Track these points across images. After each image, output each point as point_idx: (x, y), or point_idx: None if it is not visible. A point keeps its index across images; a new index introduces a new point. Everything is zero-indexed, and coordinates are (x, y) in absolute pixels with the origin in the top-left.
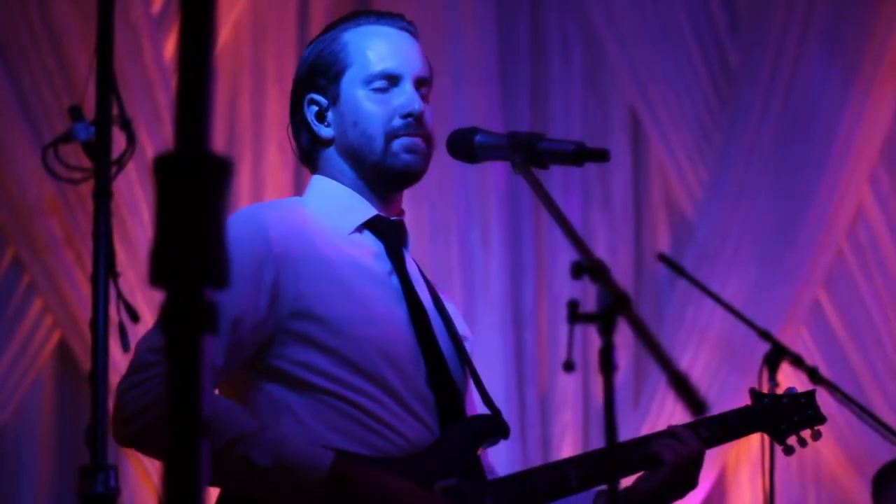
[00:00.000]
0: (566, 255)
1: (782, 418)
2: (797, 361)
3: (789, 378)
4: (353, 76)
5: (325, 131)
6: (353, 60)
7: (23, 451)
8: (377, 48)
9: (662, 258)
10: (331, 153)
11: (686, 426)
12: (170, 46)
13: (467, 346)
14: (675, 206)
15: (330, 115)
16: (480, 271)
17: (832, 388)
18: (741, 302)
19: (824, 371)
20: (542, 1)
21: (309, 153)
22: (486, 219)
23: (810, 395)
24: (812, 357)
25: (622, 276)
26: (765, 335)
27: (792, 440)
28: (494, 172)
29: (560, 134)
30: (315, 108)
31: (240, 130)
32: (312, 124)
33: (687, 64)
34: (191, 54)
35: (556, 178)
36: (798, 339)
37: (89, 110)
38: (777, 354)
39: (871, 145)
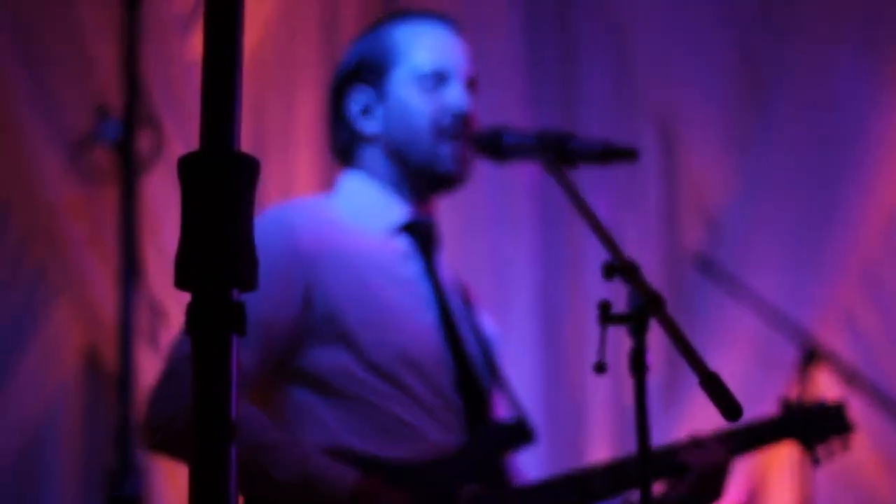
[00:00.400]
0: (599, 255)
1: (811, 428)
2: (833, 364)
3: (824, 381)
4: (404, 73)
5: (369, 127)
6: (404, 57)
7: (49, 455)
8: (429, 46)
9: (697, 258)
10: (372, 149)
11: (712, 436)
12: (198, 44)
13: (496, 348)
14: (705, 208)
15: (377, 110)
16: (511, 271)
17: (868, 391)
18: (773, 303)
19: (859, 373)
20: (570, 2)
21: (346, 148)
22: (516, 218)
23: (840, 405)
24: (846, 358)
25: (652, 277)
26: (800, 336)
27: (821, 450)
28: (525, 171)
29: (589, 135)
30: (360, 103)
31: (269, 133)
32: (355, 119)
33: (717, 64)
34: (216, 52)
35: (587, 178)
36: (832, 342)
37: (115, 110)
38: (812, 356)
39: None
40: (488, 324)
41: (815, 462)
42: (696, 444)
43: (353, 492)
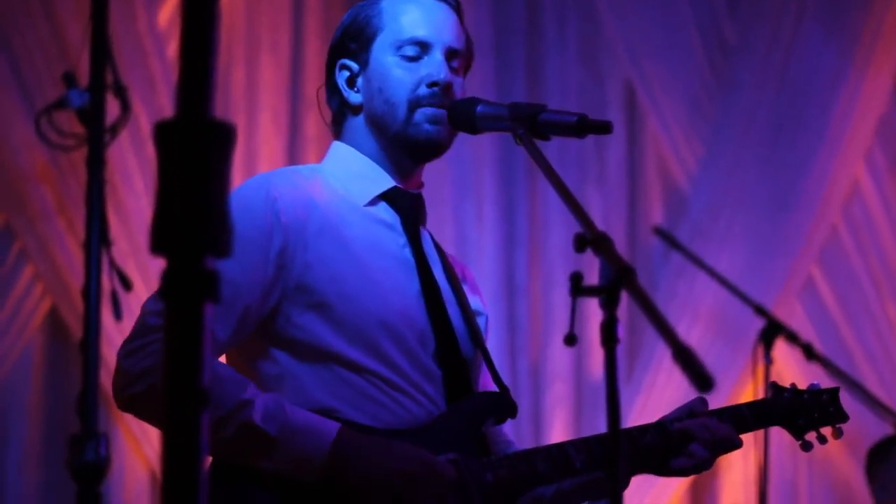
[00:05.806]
0: (560, 228)
1: (801, 414)
2: (791, 337)
3: (783, 354)
4: (384, 41)
5: (354, 97)
6: (385, 25)
7: (12, 420)
8: (411, 14)
9: (658, 231)
10: (357, 121)
11: (706, 413)
12: (164, 14)
13: (481, 321)
14: (669, 181)
15: (360, 80)
16: (474, 243)
17: (825, 365)
18: (735, 277)
19: (818, 347)
20: None
21: (336, 119)
22: (479, 191)
23: (833, 392)
24: (805, 333)
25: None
26: (760, 310)
27: (811, 436)
28: (488, 144)
29: (556, 108)
30: (346, 74)
31: (233, 100)
32: (342, 90)
33: (683, 38)
34: (194, 18)
35: (551, 151)
36: (791, 315)
37: (83, 77)
38: (772, 330)
39: (867, 121)
40: (473, 297)
41: (804, 448)
42: (701, 420)
43: (335, 441)
